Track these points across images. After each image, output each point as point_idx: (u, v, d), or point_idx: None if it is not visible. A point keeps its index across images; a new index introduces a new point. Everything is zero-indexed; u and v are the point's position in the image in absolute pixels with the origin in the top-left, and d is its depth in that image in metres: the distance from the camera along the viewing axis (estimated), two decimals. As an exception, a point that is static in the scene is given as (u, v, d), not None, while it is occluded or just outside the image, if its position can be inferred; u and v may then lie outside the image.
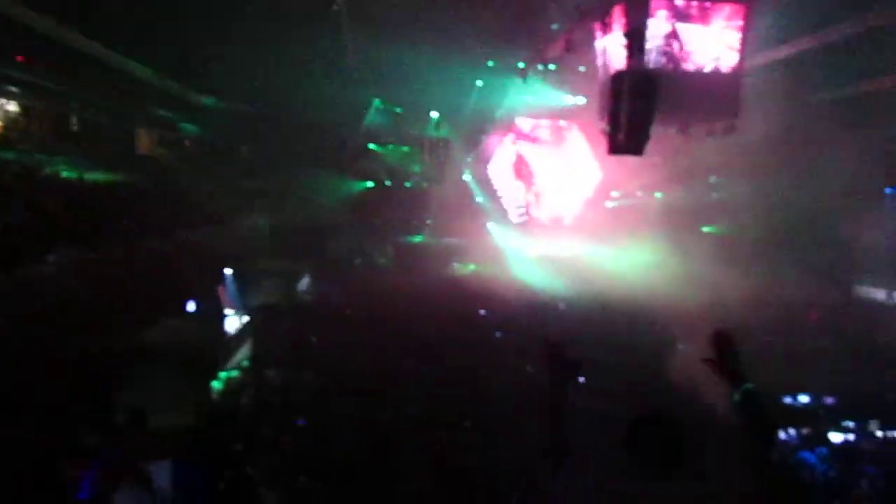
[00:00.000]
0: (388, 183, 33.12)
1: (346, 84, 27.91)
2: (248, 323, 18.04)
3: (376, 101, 30.41)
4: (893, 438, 11.79)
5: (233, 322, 18.18)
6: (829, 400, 14.03)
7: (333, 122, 28.53)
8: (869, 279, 28.47)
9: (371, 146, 32.48)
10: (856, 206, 24.04)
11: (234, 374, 14.93)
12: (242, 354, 16.52)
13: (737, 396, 2.74)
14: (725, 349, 2.73)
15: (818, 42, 19.18)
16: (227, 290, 19.33)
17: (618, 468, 3.11)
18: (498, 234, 31.13)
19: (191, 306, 17.26)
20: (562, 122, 31.75)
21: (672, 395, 12.54)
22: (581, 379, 13.00)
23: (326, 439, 10.38)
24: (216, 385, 14.10)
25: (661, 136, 18.21)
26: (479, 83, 30.16)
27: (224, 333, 16.84)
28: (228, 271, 19.83)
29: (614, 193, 31.77)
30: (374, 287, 25.22)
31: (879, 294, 27.96)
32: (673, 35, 17.98)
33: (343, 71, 27.09)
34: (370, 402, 12.28)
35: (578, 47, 21.38)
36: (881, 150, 21.15)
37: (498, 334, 18.65)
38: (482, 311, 21.01)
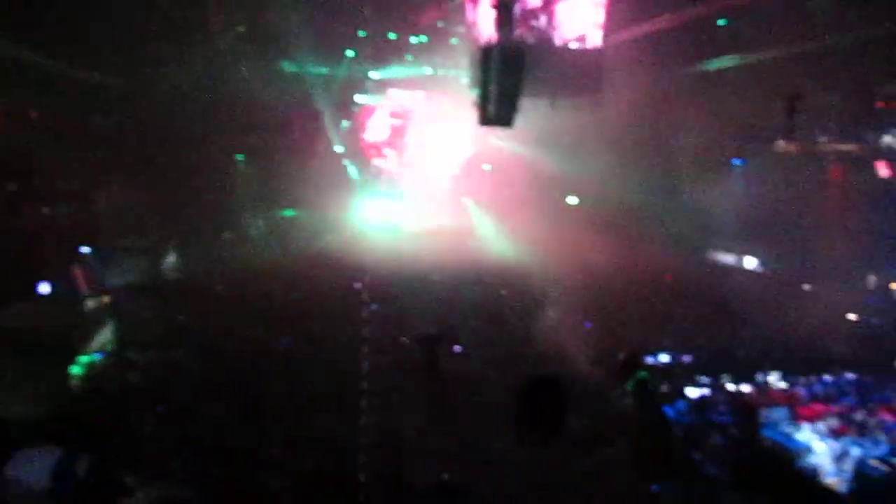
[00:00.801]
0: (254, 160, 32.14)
1: (210, 53, 26.79)
2: (109, 304, 17.08)
3: (244, 69, 29.37)
4: (743, 391, 12.74)
5: (92, 303, 17.16)
6: (686, 358, 14.95)
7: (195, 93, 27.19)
8: (720, 244, 30.60)
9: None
10: (708, 177, 25.67)
11: (96, 357, 14.11)
12: (104, 337, 15.62)
13: (631, 384, 2.89)
14: (631, 362, 2.83)
15: (675, 21, 20.14)
16: (86, 270, 18.20)
17: (492, 429, 3.16)
18: (372, 206, 30.94)
19: (44, 288, 16.12)
20: (434, 94, 31.86)
21: (543, 360, 13.02)
22: (457, 348, 13.27)
23: (194, 421, 10.04)
24: (76, 370, 13.29)
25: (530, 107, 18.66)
26: (349, 53, 29.76)
27: (83, 316, 15.86)
28: (86, 250, 18.65)
29: (486, 167, 32.29)
30: (245, 263, 24.53)
31: (729, 258, 30.12)
32: (541, 9, 18.42)
33: (216, 46, 26.02)
34: (239, 381, 11.97)
35: (450, 19, 21.52)
36: (730, 123, 22.59)
37: (374, 307, 18.59)
38: (356, 285, 20.86)
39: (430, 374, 2.84)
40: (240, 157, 31.67)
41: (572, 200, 31.28)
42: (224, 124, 30.39)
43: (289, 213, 31.66)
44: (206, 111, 28.33)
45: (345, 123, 32.31)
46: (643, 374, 2.72)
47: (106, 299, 17.03)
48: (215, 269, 22.96)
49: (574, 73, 19.14)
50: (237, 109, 30.54)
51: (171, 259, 23.64)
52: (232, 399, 10.82)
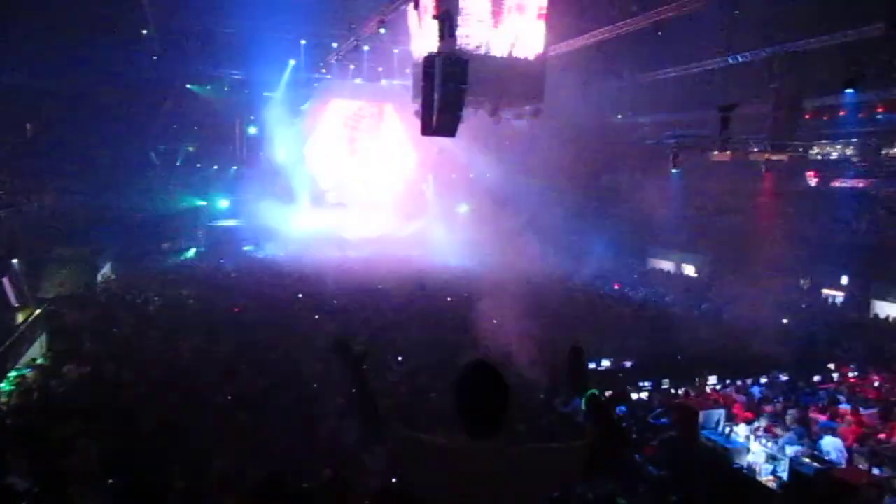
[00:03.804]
0: (199, 165, 31.66)
1: (149, 63, 26.26)
2: (40, 315, 16.44)
3: (181, 73, 28.94)
4: (682, 394, 12.97)
5: (22, 316, 16.51)
6: (628, 363, 15.17)
7: (135, 102, 26.56)
8: (660, 252, 31.32)
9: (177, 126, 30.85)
10: (649, 186, 26.24)
11: (25, 372, 13.54)
12: (35, 350, 15.03)
13: (583, 402, 2.89)
14: (577, 362, 2.82)
15: (613, 33, 20.55)
16: (13, 281, 17.52)
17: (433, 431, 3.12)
18: (314, 215, 30.69)
19: (-30, 300, 15.47)
20: (377, 104, 31.85)
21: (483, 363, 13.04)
22: (399, 358, 13.10)
23: (130, 433, 9.72)
24: (4, 386, 12.75)
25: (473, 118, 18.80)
26: (292, 62, 29.53)
27: (11, 328, 15.21)
28: (14, 261, 17.97)
29: (429, 177, 32.40)
30: (183, 274, 24.02)
31: (667, 265, 30.85)
32: (483, 20, 18.58)
33: (146, 47, 25.50)
34: (174, 392, 11.65)
35: (392, 29, 21.53)
36: (670, 134, 23.14)
37: (316, 316, 18.36)
38: (300, 295, 20.60)
39: (356, 384, 2.81)
40: (178, 163, 31.17)
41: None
42: (161, 129, 29.88)
43: (230, 222, 31.18)
44: (141, 115, 27.76)
45: (288, 131, 32.05)
46: (592, 390, 2.75)
47: (37, 311, 16.39)
48: (153, 279, 22.41)
49: (516, 83, 19.36)
50: (176, 114, 30.09)
51: (106, 270, 23.00)
52: (168, 412, 10.52)
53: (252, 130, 31.04)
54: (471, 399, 2.58)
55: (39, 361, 14.15)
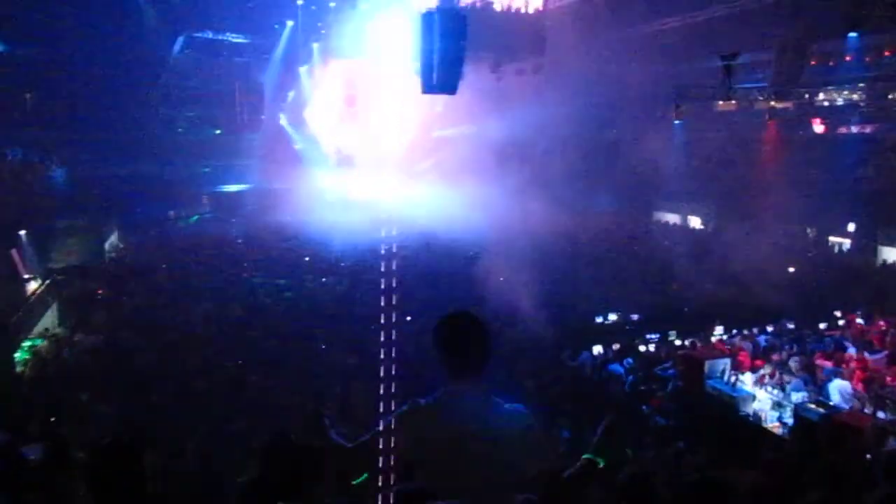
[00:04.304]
0: (201, 131, 31.51)
1: (147, 29, 26.00)
2: (50, 286, 16.62)
3: (180, 39, 28.69)
4: (689, 345, 13.07)
5: (33, 286, 16.69)
6: (635, 316, 15.26)
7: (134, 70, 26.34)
8: (665, 205, 31.22)
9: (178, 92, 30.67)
10: (653, 138, 26.06)
11: (38, 342, 13.74)
12: (47, 321, 15.21)
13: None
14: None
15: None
16: (23, 253, 17.67)
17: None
18: (321, 178, 30.61)
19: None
20: (377, 63, 31.47)
21: (493, 323, 13.17)
22: (408, 318, 13.27)
23: (143, 402, 9.91)
24: (20, 355, 12.94)
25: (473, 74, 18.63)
26: (290, 23, 29.21)
27: (22, 299, 15.39)
28: (22, 232, 18.09)
29: (435, 134, 32.12)
30: (190, 241, 24.09)
31: (673, 217, 30.77)
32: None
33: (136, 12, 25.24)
34: (187, 358, 11.84)
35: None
36: (670, 85, 22.91)
37: (324, 279, 18.50)
38: (306, 258, 20.71)
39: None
40: (181, 129, 31.03)
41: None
42: (161, 96, 29.70)
43: (234, 187, 31.15)
44: (141, 83, 27.58)
45: (290, 94, 31.83)
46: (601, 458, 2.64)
47: (47, 282, 16.57)
48: (161, 247, 22.52)
49: (517, 37, 19.18)
50: (172, 81, 29.89)
51: (113, 239, 23.12)
52: (179, 382, 10.70)
53: (252, 94, 30.77)
54: (448, 342, 2.61)
55: (53, 332, 14.37)
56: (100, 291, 16.89)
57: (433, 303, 15.07)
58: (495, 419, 2.55)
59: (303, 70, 31.31)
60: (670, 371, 11.76)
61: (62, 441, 5.90)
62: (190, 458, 8.11)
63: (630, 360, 12.44)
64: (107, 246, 21.99)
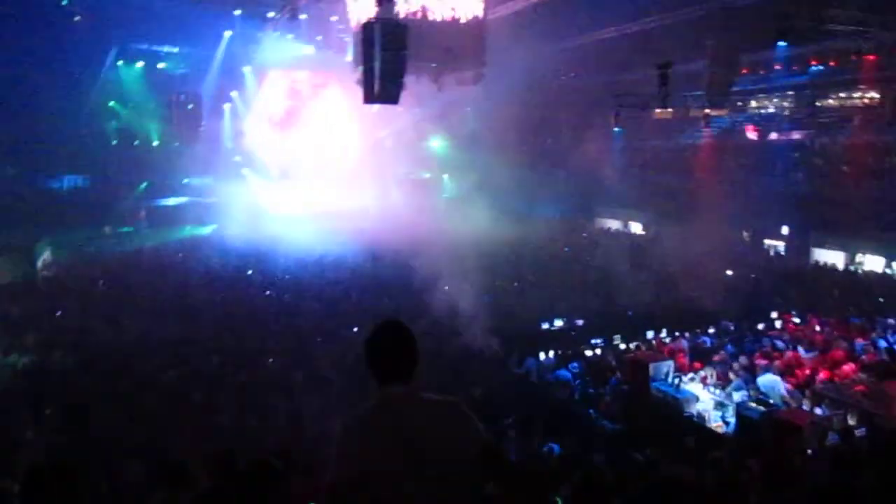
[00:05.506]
0: (136, 143, 30.74)
1: (79, 40, 25.18)
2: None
3: (114, 51, 27.99)
4: (633, 349, 13.26)
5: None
6: (580, 322, 15.42)
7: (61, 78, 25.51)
8: (607, 211, 31.75)
9: (112, 104, 29.93)
10: (593, 147, 26.47)
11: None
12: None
13: None
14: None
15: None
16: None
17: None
18: (257, 190, 30.18)
19: None
20: (318, 73, 31.26)
21: (439, 332, 13.16)
22: (355, 329, 13.03)
23: (84, 420, 9.56)
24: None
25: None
26: (227, 33, 28.75)
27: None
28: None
29: (376, 146, 31.99)
30: (126, 258, 23.42)
31: (614, 223, 31.31)
32: (420, -16, 18.37)
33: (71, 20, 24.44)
34: (122, 378, 11.47)
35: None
36: (610, 94, 23.33)
37: (267, 292, 18.20)
38: (249, 272, 20.34)
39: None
40: (115, 142, 30.22)
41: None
42: (94, 108, 28.86)
43: (172, 200, 30.46)
44: (68, 95, 26.68)
45: (227, 106, 31.31)
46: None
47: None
48: (95, 264, 21.81)
49: (457, 47, 19.20)
50: (106, 92, 29.10)
51: (46, 256, 22.28)
52: (117, 402, 10.35)
53: (189, 106, 30.11)
54: (376, 351, 2.68)
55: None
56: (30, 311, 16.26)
57: (380, 313, 14.97)
58: (430, 408, 2.66)
59: (243, 79, 30.91)
60: (615, 375, 11.90)
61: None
62: (129, 480, 7.84)
63: (576, 363, 12.56)
64: (40, 263, 21.14)
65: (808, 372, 11.42)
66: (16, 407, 10.46)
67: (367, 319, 13.59)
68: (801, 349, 12.61)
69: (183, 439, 8.60)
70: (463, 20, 19.01)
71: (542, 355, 13.11)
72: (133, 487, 7.64)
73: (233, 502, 3.20)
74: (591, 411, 10.82)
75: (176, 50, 29.41)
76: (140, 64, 29.73)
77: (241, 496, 3.19)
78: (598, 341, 13.86)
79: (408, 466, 2.51)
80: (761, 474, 5.69)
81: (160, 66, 30.10)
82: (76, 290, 18.37)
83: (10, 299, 17.07)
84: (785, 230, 24.84)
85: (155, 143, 30.95)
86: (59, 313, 15.96)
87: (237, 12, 27.34)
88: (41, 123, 25.00)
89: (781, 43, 17.43)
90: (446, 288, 15.02)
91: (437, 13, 18.57)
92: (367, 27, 15.34)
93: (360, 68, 16.28)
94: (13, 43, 22.04)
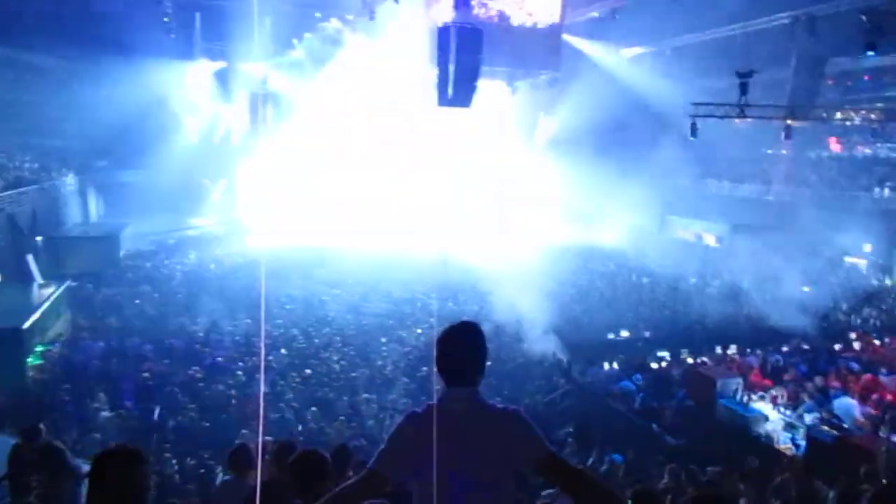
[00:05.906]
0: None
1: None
2: (64, 292, 16.67)
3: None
4: (700, 363, 12.97)
5: (47, 292, 16.75)
6: (647, 333, 15.18)
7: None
8: (680, 221, 31.01)
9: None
10: (669, 155, 25.93)
11: (52, 347, 13.79)
12: (60, 326, 15.27)
13: None
14: None
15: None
16: (37, 259, 17.79)
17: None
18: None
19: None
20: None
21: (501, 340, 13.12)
22: (418, 331, 13.09)
23: (154, 404, 9.97)
24: (32, 360, 13.00)
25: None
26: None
27: (36, 305, 15.44)
28: (39, 238, 18.21)
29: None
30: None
31: (687, 234, 30.55)
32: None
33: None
34: (197, 365, 11.87)
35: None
36: (686, 101, 22.83)
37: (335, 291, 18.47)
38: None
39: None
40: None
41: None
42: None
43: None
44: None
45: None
46: None
47: (61, 287, 16.65)
48: (175, 255, 22.55)
49: (532, 52, 19.18)
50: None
51: (128, 245, 23.13)
52: (191, 388, 10.74)
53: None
54: (445, 350, 2.70)
55: (64, 337, 14.47)
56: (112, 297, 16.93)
57: (442, 316, 15.09)
58: (489, 416, 2.65)
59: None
60: (679, 392, 11.65)
61: (59, 448, 5.94)
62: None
63: (639, 376, 12.36)
64: (123, 251, 21.78)
65: (889, 397, 10.95)
66: (92, 388, 10.97)
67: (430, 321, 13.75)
68: (882, 372, 12.09)
69: (248, 428, 8.87)
70: (540, 25, 18.97)
71: (605, 365, 12.97)
72: (197, 472, 7.92)
73: (290, 493, 3.29)
74: (654, 425, 10.63)
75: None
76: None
77: (297, 487, 3.28)
78: (664, 354, 13.62)
79: (453, 465, 2.52)
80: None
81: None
82: (156, 279, 19.06)
83: (93, 286, 17.82)
84: (867, 247, 23.84)
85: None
86: (137, 301, 16.56)
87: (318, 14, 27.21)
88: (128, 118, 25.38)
89: (870, 53, 16.74)
90: (510, 294, 15.02)
91: (515, 19, 18.57)
92: (443, 31, 15.46)
93: (435, 71, 16.43)
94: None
